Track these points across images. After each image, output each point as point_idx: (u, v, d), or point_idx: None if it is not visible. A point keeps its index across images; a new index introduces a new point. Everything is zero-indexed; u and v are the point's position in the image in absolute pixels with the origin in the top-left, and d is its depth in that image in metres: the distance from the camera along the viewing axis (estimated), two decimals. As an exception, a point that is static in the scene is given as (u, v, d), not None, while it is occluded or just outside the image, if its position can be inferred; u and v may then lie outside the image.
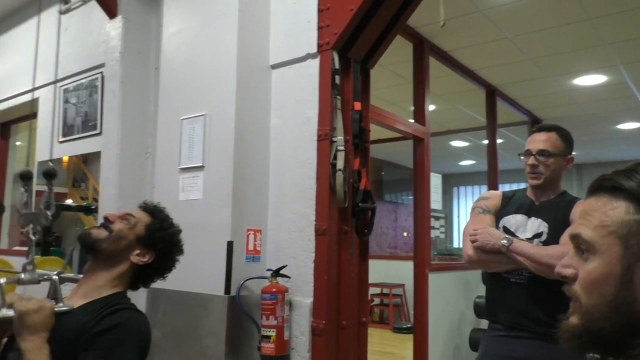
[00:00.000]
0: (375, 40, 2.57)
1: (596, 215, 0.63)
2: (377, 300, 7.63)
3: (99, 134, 3.53)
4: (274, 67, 2.65)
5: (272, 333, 2.31)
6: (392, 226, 10.12)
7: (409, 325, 6.46)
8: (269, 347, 2.31)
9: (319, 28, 2.48)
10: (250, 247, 2.48)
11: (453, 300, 4.29)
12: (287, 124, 2.57)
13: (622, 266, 0.60)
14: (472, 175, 10.94)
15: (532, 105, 6.09)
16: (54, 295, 1.29)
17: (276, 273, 2.39)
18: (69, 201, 4.33)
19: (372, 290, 7.49)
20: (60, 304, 1.25)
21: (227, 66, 2.52)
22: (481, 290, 3.54)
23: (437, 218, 4.09)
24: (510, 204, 2.11)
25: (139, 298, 2.90)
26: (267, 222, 2.56)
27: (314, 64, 2.49)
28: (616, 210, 0.62)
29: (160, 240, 1.42)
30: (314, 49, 2.48)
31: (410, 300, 6.99)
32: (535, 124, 6.22)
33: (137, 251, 1.38)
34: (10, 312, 1.16)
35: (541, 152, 2.01)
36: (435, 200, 4.08)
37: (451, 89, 5.39)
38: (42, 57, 4.30)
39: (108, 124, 3.21)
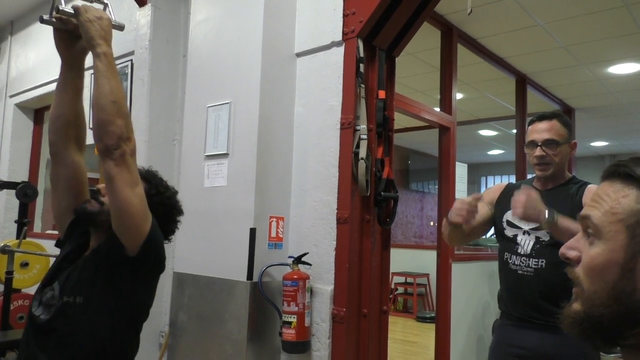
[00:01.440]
0: (401, 28, 2.55)
1: (608, 200, 0.62)
2: (401, 289, 7.63)
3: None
4: (299, 55, 2.65)
5: (293, 319, 2.34)
6: (418, 215, 10.06)
7: (432, 315, 6.44)
8: (290, 333, 2.34)
9: (345, 16, 2.47)
10: (273, 234, 2.51)
11: (477, 291, 4.25)
12: (311, 112, 2.57)
13: (626, 255, 0.59)
14: (500, 165, 10.76)
15: (564, 94, 5.94)
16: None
17: (298, 260, 2.42)
18: (100, 185, 4.43)
19: (397, 279, 7.48)
20: (116, 22, 1.37)
21: (252, 54, 2.54)
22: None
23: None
24: (512, 197, 2.04)
25: (165, 281, 2.98)
26: (290, 209, 2.59)
27: (339, 52, 2.48)
28: (627, 198, 0.61)
29: (159, 204, 1.42)
30: (339, 37, 2.47)
31: (434, 290, 6.98)
32: (567, 114, 6.06)
33: None
34: (70, 9, 1.25)
35: (547, 142, 1.95)
36: (461, 190, 4.03)
37: (480, 77, 5.30)
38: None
39: (136, 110, 3.27)
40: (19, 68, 5.29)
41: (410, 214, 9.80)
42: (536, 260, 1.91)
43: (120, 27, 1.35)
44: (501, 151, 9.89)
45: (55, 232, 4.57)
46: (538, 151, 1.97)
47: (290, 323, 2.34)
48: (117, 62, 3.85)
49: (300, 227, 2.55)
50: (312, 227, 2.49)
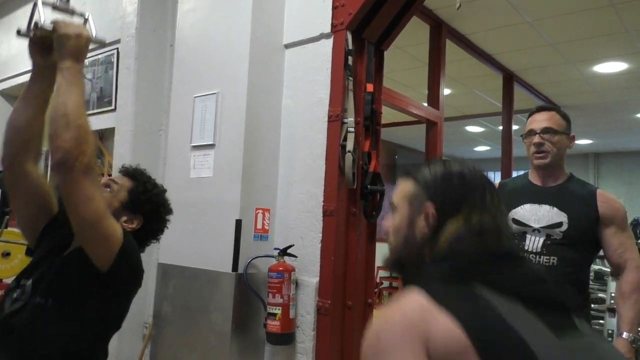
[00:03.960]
0: (390, 21, 2.54)
1: (400, 189, 1.02)
2: (386, 284, 7.67)
3: (114, 110, 3.56)
4: (288, 46, 2.64)
5: (278, 311, 2.34)
6: (404, 210, 10.10)
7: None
8: (274, 325, 2.34)
9: (334, 8, 2.46)
10: (259, 226, 2.50)
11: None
12: (299, 104, 2.56)
13: (409, 217, 0.97)
14: (486, 161, 10.84)
15: (550, 91, 5.99)
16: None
17: (283, 252, 2.41)
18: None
19: (382, 274, 7.52)
20: (97, 35, 1.31)
21: (240, 45, 2.52)
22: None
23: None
24: (512, 194, 2.04)
25: (149, 272, 2.96)
26: (276, 201, 2.58)
27: (328, 44, 2.47)
28: (407, 186, 1.01)
29: (147, 202, 1.39)
30: (328, 29, 2.46)
31: (419, 285, 7.02)
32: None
33: (125, 218, 1.36)
34: (50, 27, 1.20)
35: (546, 130, 1.96)
36: (447, 186, 4.05)
37: (468, 73, 5.32)
38: (59, 32, 4.33)
39: (122, 100, 3.23)
40: (2, 55, 5.19)
41: (397, 209, 9.85)
42: (547, 257, 1.90)
43: (101, 43, 1.31)
44: (487, 148, 9.96)
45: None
46: (536, 138, 1.97)
47: (275, 315, 2.34)
48: (104, 50, 3.81)
49: (286, 219, 2.54)
50: (298, 220, 2.49)
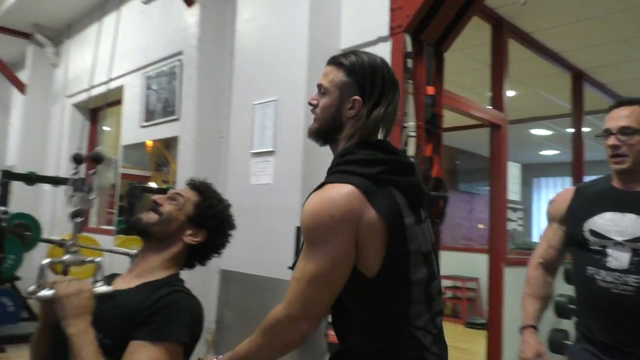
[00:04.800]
0: (449, 22, 2.47)
1: (330, 76, 1.25)
2: (449, 294, 7.45)
3: (177, 119, 3.68)
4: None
5: (339, 319, 2.29)
6: (466, 217, 9.81)
7: (482, 321, 6.25)
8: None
9: (391, 10, 2.42)
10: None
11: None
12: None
13: (339, 100, 1.23)
14: (555, 166, 10.35)
15: (624, 90, 5.63)
16: (95, 278, 1.27)
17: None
18: (151, 184, 4.56)
19: (445, 283, 7.31)
20: (102, 287, 1.24)
21: (298, 51, 2.52)
22: (563, 288, 3.34)
23: (514, 210, 3.88)
24: (590, 201, 1.75)
25: (211, 278, 3.01)
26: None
27: (386, 48, 2.42)
28: (339, 75, 1.24)
29: (211, 217, 1.38)
30: (385, 32, 2.42)
31: (485, 295, 6.77)
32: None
33: (189, 231, 1.35)
34: (49, 293, 1.17)
35: (623, 130, 1.65)
36: (513, 191, 3.88)
37: (533, 73, 5.10)
38: (127, 46, 4.53)
39: (185, 109, 3.32)
40: (76, 70, 5.50)
41: (459, 216, 9.57)
42: (637, 277, 1.58)
43: (107, 295, 1.24)
44: (556, 151, 9.51)
45: (111, 227, 4.73)
46: (611, 140, 1.67)
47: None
48: (167, 62, 3.95)
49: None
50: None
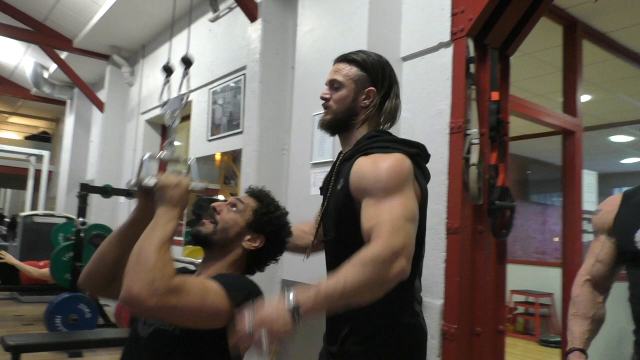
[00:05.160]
0: (515, 24, 2.37)
1: (343, 71, 1.42)
2: (521, 309, 7.10)
3: (241, 132, 3.76)
4: (405, 59, 2.57)
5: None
6: (539, 230, 9.34)
7: (557, 339, 5.90)
8: (396, 347, 2.24)
9: (453, 15, 2.35)
10: (379, 244, 2.43)
11: (611, 315, 3.79)
12: (418, 117, 2.47)
13: (354, 93, 1.40)
14: (637, 175, 9.67)
15: None
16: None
17: (405, 271, 2.31)
18: (220, 197, 4.69)
19: (516, 298, 6.99)
20: (196, 183, 1.31)
21: (357, 60, 2.50)
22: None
23: (590, 221, 3.65)
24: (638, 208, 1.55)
25: (273, 288, 3.03)
26: (396, 218, 2.49)
27: (447, 53, 2.36)
28: (352, 70, 1.41)
29: (269, 223, 1.41)
30: (447, 37, 2.35)
31: (559, 311, 6.39)
32: None
33: (248, 237, 1.38)
34: (152, 181, 1.24)
35: None
36: (589, 201, 3.65)
37: (611, 76, 4.79)
38: (195, 63, 4.69)
39: (248, 121, 3.39)
40: (149, 87, 5.79)
41: (531, 228, 9.13)
42: None
43: (201, 190, 1.31)
44: (638, 159, 8.88)
45: (180, 237, 4.89)
46: None
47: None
48: (232, 77, 4.06)
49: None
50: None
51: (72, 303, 4.22)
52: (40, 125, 11.45)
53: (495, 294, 2.33)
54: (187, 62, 1.56)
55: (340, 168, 1.45)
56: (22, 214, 6.70)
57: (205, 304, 1.14)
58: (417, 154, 1.36)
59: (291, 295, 1.09)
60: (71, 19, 5.84)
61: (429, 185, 2.36)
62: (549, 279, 6.71)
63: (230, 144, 4.05)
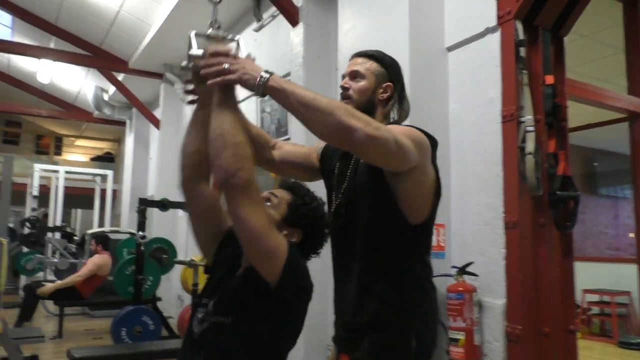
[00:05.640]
0: (567, 3, 2.21)
1: (364, 65, 1.46)
2: (595, 309, 6.67)
3: (289, 138, 3.75)
4: (450, 49, 2.47)
5: (461, 336, 2.12)
6: (611, 224, 8.79)
7: (638, 340, 5.49)
8: (458, 352, 2.13)
9: (498, -2, 2.23)
10: (434, 243, 2.32)
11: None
12: (466, 107, 2.36)
13: (375, 86, 1.44)
14: None
15: None
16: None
17: (462, 271, 2.20)
18: (264, 193, 4.70)
19: (590, 298, 6.58)
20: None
21: (399, 54, 2.40)
22: None
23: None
24: None
25: (328, 292, 2.97)
26: (450, 215, 2.38)
27: (494, 39, 2.24)
28: (373, 64, 1.46)
29: (305, 216, 1.35)
30: (493, 21, 2.24)
31: (639, 310, 5.96)
32: None
33: (285, 232, 1.33)
34: (199, 52, 1.25)
35: None
36: (665, 190, 3.36)
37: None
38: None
39: (294, 127, 3.38)
40: (200, 102, 5.91)
41: (602, 223, 8.59)
42: None
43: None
44: None
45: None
46: None
47: (457, 340, 2.13)
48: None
49: (463, 234, 2.33)
50: (477, 234, 2.26)
51: (136, 316, 4.34)
52: (104, 146, 12.02)
53: (563, 291, 2.17)
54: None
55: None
56: (89, 231, 7.00)
57: (268, 217, 1.24)
58: (434, 143, 1.40)
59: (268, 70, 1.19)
60: (125, 41, 6.08)
61: (482, 178, 2.26)
62: (624, 277, 6.27)
63: (279, 151, 4.04)
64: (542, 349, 2.09)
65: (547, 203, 2.14)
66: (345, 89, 1.47)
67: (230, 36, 1.42)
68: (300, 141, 3.27)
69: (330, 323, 2.99)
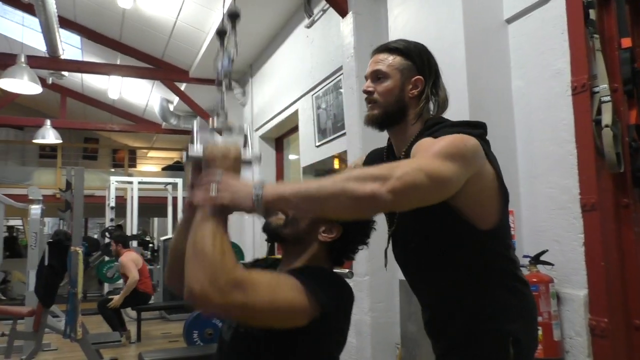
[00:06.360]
0: (643, -47, 1.97)
1: (386, 61, 1.31)
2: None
3: (345, 133, 3.66)
4: (510, 20, 2.28)
5: (538, 332, 1.93)
6: None
7: None
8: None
9: (560, -43, 2.03)
10: (502, 231, 2.15)
11: None
12: (531, 82, 2.17)
13: (401, 83, 1.30)
14: None
15: None
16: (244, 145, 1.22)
17: (535, 260, 2.01)
18: None
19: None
20: (248, 154, 1.18)
21: (453, 33, 2.27)
22: None
23: None
24: None
25: (394, 290, 2.85)
26: (519, 200, 2.19)
27: (559, 4, 2.04)
28: (396, 59, 1.31)
29: None
30: (557, -17, 2.03)
31: None
32: None
33: (323, 227, 1.22)
34: (198, 152, 1.15)
35: None
36: None
37: None
38: (297, 72, 4.74)
39: (349, 120, 3.28)
40: (259, 104, 5.96)
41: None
42: None
43: (256, 159, 1.18)
44: None
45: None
46: None
47: (533, 336, 1.94)
48: (332, 78, 3.99)
49: (534, 220, 2.13)
50: (550, 219, 2.06)
51: (206, 318, 4.40)
52: (174, 156, 12.47)
53: (655, 278, 1.93)
54: (233, 16, 1.41)
55: None
56: (162, 238, 7.25)
57: (277, 299, 1.02)
58: (482, 134, 1.26)
59: (261, 181, 1.04)
60: (184, 51, 6.24)
61: (553, 158, 2.06)
62: None
63: (337, 147, 3.96)
64: (634, 344, 1.86)
65: (630, 181, 1.90)
66: (368, 92, 1.32)
67: (237, 127, 1.33)
68: (356, 135, 3.17)
69: (397, 321, 2.88)
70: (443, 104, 1.34)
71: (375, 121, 1.33)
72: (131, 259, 5.92)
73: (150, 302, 6.33)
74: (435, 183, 1.06)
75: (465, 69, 2.20)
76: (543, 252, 2.01)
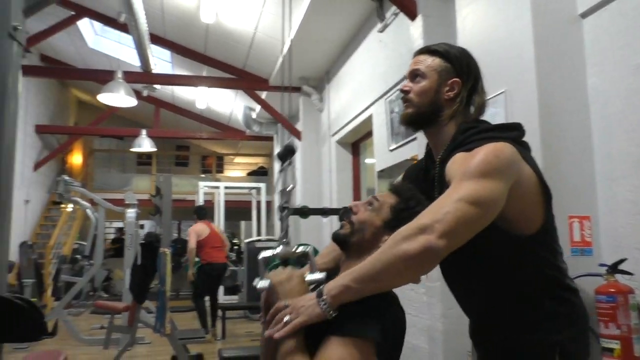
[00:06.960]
0: None
1: (426, 62, 1.33)
2: None
3: (415, 138, 3.62)
4: (584, 15, 2.15)
5: (616, 345, 1.81)
6: None
7: None
8: (614, 364, 1.82)
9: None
10: (576, 238, 2.03)
11: None
12: (609, 79, 2.03)
13: (437, 85, 1.31)
14: None
15: None
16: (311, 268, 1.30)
17: (613, 269, 1.88)
18: (353, 203, 4.59)
19: None
20: (313, 274, 1.25)
21: (522, 31, 2.18)
22: None
23: None
24: None
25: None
26: (597, 205, 2.06)
27: (638, -6, 1.90)
28: (435, 60, 1.33)
29: (406, 220, 1.25)
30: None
31: None
32: None
33: (386, 237, 1.25)
34: (265, 283, 1.23)
35: None
36: None
37: None
38: (371, 77, 4.76)
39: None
40: (336, 110, 6.04)
41: None
42: None
43: (318, 282, 1.24)
44: None
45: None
46: None
47: (611, 350, 1.82)
48: (404, 82, 3.96)
49: (613, 227, 1.99)
50: (630, 225, 1.92)
51: (284, 318, 4.52)
52: (259, 161, 12.93)
53: None
54: (288, 153, 1.50)
55: (443, 173, 1.27)
56: (245, 240, 7.54)
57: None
58: (518, 136, 1.26)
59: (319, 289, 1.10)
60: (264, 60, 6.47)
61: (634, 159, 1.92)
62: None
63: (409, 151, 3.92)
64: None
65: None
66: (404, 92, 1.34)
67: (300, 249, 1.38)
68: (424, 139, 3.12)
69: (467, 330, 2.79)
70: (479, 108, 1.33)
71: (409, 120, 1.35)
72: (194, 230, 6.20)
73: (226, 274, 6.71)
74: (480, 209, 1.06)
75: (535, 69, 2.10)
76: (622, 261, 1.87)
